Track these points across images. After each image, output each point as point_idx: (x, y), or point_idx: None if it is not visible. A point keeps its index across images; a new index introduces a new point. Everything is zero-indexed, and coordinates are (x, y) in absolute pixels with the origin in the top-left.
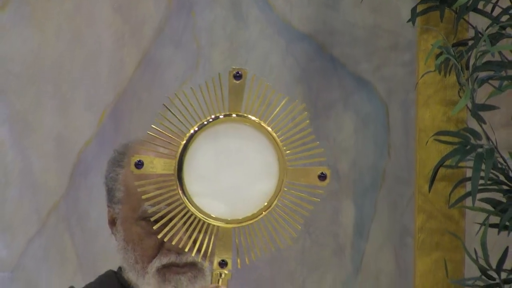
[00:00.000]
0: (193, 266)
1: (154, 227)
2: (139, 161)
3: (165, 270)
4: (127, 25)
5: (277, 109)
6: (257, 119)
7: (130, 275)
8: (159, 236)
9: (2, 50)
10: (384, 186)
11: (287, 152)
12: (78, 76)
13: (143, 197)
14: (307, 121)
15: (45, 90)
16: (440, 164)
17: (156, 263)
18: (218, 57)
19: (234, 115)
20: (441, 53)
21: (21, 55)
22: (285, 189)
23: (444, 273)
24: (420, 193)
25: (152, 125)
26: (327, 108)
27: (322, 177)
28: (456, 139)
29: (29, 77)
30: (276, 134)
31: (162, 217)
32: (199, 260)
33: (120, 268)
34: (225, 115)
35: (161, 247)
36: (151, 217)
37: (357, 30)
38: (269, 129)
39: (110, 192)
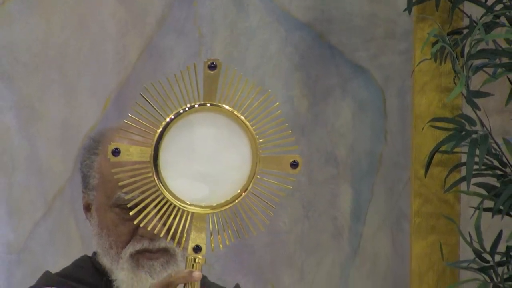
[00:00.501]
0: (165, 252)
1: (130, 213)
2: (116, 148)
3: (138, 255)
4: (131, 14)
5: (250, 99)
6: (231, 108)
7: (105, 260)
8: (134, 222)
9: (9, 38)
10: (381, 171)
11: (260, 140)
12: (83, 64)
13: (120, 183)
14: (279, 111)
15: (51, 77)
16: (436, 150)
17: (130, 248)
18: (220, 45)
19: (208, 105)
20: (436, 42)
21: (27, 43)
22: (258, 176)
23: (439, 255)
24: (416, 177)
25: (129, 114)
26: (325, 95)
27: (294, 165)
28: (451, 125)
29: (35, 64)
30: (249, 123)
31: (137, 204)
32: (172, 246)
33: (94, 253)
34: (199, 105)
35: (134, 233)
36: (126, 204)
37: (355, 19)
38: (242, 118)
39: (85, 179)
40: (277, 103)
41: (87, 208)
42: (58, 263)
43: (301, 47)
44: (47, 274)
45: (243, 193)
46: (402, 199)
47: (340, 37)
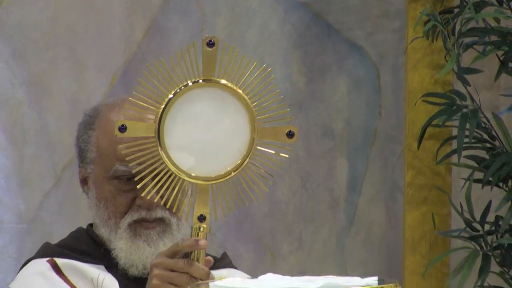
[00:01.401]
0: (161, 221)
1: (138, 186)
2: (123, 125)
3: (136, 225)
4: None
5: (248, 74)
6: (229, 83)
7: (103, 231)
8: (142, 194)
9: (21, 17)
10: (376, 144)
11: (257, 113)
12: (91, 42)
13: (127, 158)
14: (275, 83)
15: (60, 55)
16: (428, 124)
17: (128, 219)
18: (221, 24)
19: (207, 80)
20: (428, 20)
21: (38, 22)
22: (257, 147)
23: (431, 225)
24: (409, 150)
25: (134, 91)
26: (322, 72)
27: (290, 134)
28: (442, 100)
29: (46, 42)
30: (247, 96)
31: (143, 178)
32: (167, 215)
33: (90, 225)
34: (202, 80)
35: (132, 204)
36: (124, 176)
37: None
38: (240, 91)
39: (82, 153)
40: (273, 75)
41: (84, 181)
42: (67, 233)
43: (299, 26)
44: (46, 245)
45: (243, 163)
46: (395, 171)
47: (336, 16)
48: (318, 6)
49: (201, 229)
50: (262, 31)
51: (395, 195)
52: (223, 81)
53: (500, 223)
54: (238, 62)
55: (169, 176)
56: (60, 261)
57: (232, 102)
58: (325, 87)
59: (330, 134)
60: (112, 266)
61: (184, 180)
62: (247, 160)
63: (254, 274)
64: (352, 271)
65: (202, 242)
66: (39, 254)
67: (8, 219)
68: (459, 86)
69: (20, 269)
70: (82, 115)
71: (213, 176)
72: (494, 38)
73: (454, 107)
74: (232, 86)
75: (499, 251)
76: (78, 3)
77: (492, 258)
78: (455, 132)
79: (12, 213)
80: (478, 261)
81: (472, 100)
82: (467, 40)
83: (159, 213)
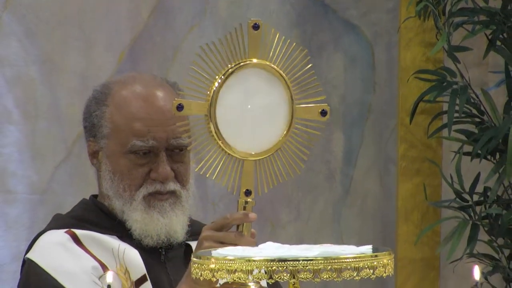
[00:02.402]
0: (173, 193)
1: (197, 169)
2: (180, 104)
3: (150, 197)
4: None
5: (287, 55)
6: (272, 64)
7: (116, 203)
8: (196, 170)
9: None
10: (370, 118)
11: (294, 92)
12: (100, 21)
13: (184, 135)
14: (311, 64)
15: (71, 33)
16: (420, 99)
17: (143, 191)
18: (223, 4)
19: (254, 61)
20: (421, 1)
21: (49, 3)
22: (296, 125)
23: (423, 196)
24: (402, 125)
25: (189, 73)
26: (319, 49)
27: (324, 113)
28: (434, 77)
29: (56, 22)
30: (286, 76)
31: (149, 150)
32: (178, 188)
33: (94, 196)
34: (249, 61)
35: (146, 177)
36: (140, 151)
37: None
38: (281, 72)
39: (94, 128)
40: (308, 57)
41: (93, 155)
42: (76, 203)
43: (297, 6)
44: (60, 216)
45: (283, 140)
46: (389, 144)
47: None
48: None
49: (248, 203)
50: (262, 10)
51: (389, 167)
52: (267, 62)
53: (488, 194)
54: (279, 44)
55: (220, 153)
56: (79, 232)
57: (274, 82)
58: (322, 64)
59: None
60: (124, 236)
61: (232, 156)
62: (287, 137)
63: None
64: (348, 240)
65: (252, 215)
66: (54, 225)
67: (21, 190)
68: (449, 64)
69: (34, 240)
70: (92, 91)
71: (258, 153)
72: (482, 17)
73: (445, 83)
74: (274, 66)
75: (487, 221)
76: None
77: (481, 227)
78: (445, 107)
79: (25, 184)
80: (467, 230)
81: (462, 76)
82: (457, 19)
83: (172, 186)
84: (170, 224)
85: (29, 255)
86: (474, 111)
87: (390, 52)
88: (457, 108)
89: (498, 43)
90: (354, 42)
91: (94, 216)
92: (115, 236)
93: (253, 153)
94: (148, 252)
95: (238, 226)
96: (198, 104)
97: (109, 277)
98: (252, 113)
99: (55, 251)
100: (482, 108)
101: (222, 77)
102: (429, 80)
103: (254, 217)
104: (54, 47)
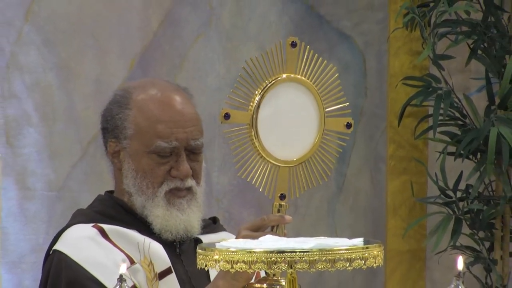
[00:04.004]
0: (190, 190)
1: (238, 173)
2: (227, 113)
3: (169, 194)
4: None
5: (319, 70)
6: (307, 79)
7: (138, 199)
8: (238, 174)
9: (51, 9)
10: (362, 121)
11: (325, 106)
12: (113, 31)
13: (229, 142)
14: (339, 81)
15: (86, 42)
16: (407, 103)
17: (165, 188)
18: (227, 15)
19: (291, 76)
20: (408, 13)
21: (66, 13)
22: (326, 136)
23: (410, 192)
24: (391, 127)
25: (235, 84)
26: None
27: (348, 125)
28: (420, 83)
29: (72, 32)
30: (318, 91)
31: (239, 161)
32: (194, 185)
33: (110, 192)
34: (286, 75)
35: (167, 175)
36: (163, 151)
37: None
38: (314, 86)
39: (116, 129)
40: (337, 74)
41: (114, 155)
42: (92, 200)
43: (295, 17)
44: (83, 212)
45: (314, 149)
46: (379, 145)
47: (327, 9)
48: (312, 0)
49: (282, 206)
50: (262, 21)
51: (379, 166)
52: (302, 77)
53: (470, 190)
54: (313, 61)
55: (259, 159)
56: (105, 226)
57: (308, 96)
58: None
59: None
60: (143, 230)
61: (270, 162)
62: (317, 147)
63: None
64: (341, 233)
65: (287, 217)
66: (80, 220)
67: (40, 187)
68: (434, 71)
69: (59, 233)
70: (112, 95)
71: (293, 160)
72: (465, 28)
73: (430, 89)
74: (308, 81)
75: (469, 215)
76: None
77: (463, 222)
78: (431, 111)
79: (43, 182)
80: (451, 224)
81: (446, 82)
82: (442, 30)
83: (189, 183)
84: (188, 220)
85: (58, 247)
86: (457, 115)
87: (380, 60)
88: (441, 111)
89: (479, 52)
90: (347, 51)
91: (115, 211)
92: (135, 231)
93: (287, 160)
94: (169, 246)
95: (272, 227)
96: (242, 113)
97: (123, 268)
98: (288, 124)
99: (85, 244)
100: (464, 111)
101: (265, 88)
102: (415, 86)
103: (289, 219)
104: (70, 55)
